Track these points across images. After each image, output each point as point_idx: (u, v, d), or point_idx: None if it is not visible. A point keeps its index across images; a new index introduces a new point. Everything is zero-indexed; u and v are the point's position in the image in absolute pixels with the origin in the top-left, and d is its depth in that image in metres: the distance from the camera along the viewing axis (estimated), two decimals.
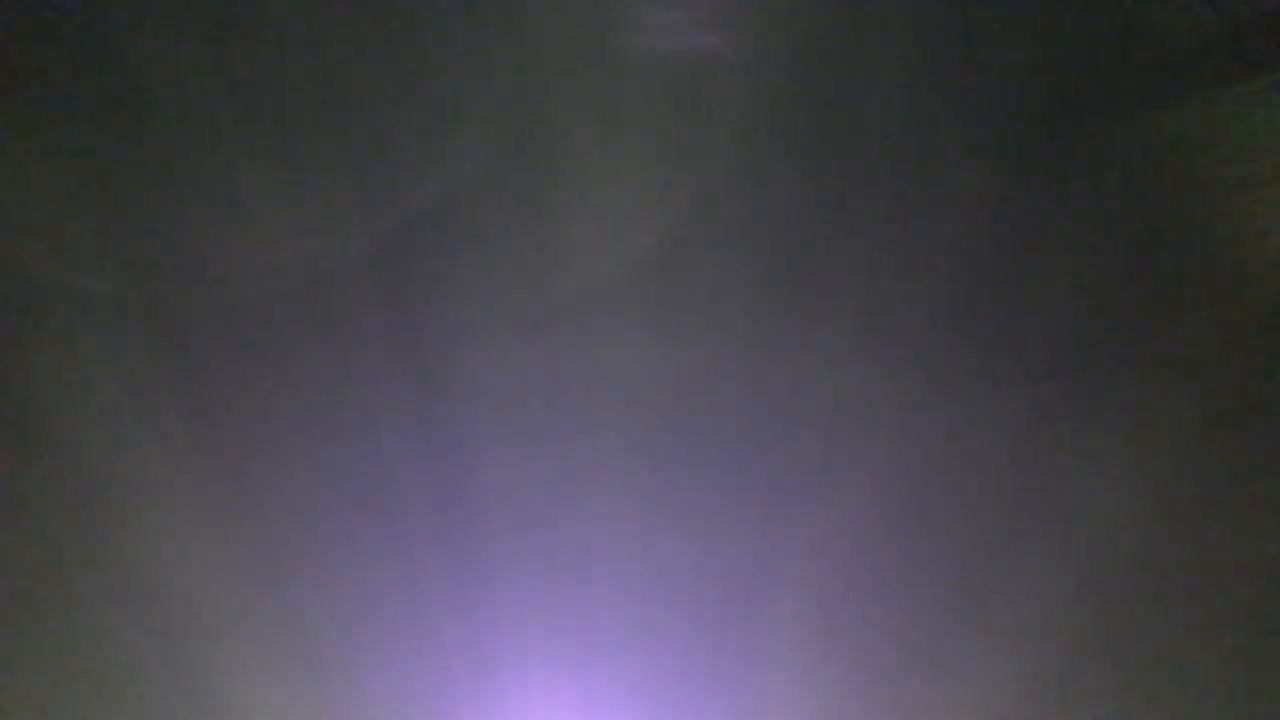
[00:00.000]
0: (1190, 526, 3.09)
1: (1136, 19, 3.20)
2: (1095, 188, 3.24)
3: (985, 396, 3.19)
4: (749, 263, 3.23)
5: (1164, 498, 3.08)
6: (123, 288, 3.16)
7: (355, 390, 3.17)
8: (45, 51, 3.14)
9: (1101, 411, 3.15)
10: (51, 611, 3.07)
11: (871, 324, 3.23)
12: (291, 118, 3.17)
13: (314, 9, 3.13)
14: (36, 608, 3.08)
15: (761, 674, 3.12)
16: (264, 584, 3.11)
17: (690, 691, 3.13)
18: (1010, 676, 3.04)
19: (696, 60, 3.16)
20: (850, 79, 3.19)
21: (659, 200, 3.23)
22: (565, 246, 3.23)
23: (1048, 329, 3.20)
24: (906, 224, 3.23)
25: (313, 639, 3.11)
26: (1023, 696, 3.04)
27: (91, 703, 3.06)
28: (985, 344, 3.22)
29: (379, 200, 3.19)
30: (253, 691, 3.08)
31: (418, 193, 3.18)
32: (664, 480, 3.21)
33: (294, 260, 3.18)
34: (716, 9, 3.19)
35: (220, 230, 3.17)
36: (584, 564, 3.15)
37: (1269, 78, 3.11)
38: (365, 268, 3.17)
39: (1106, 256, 3.24)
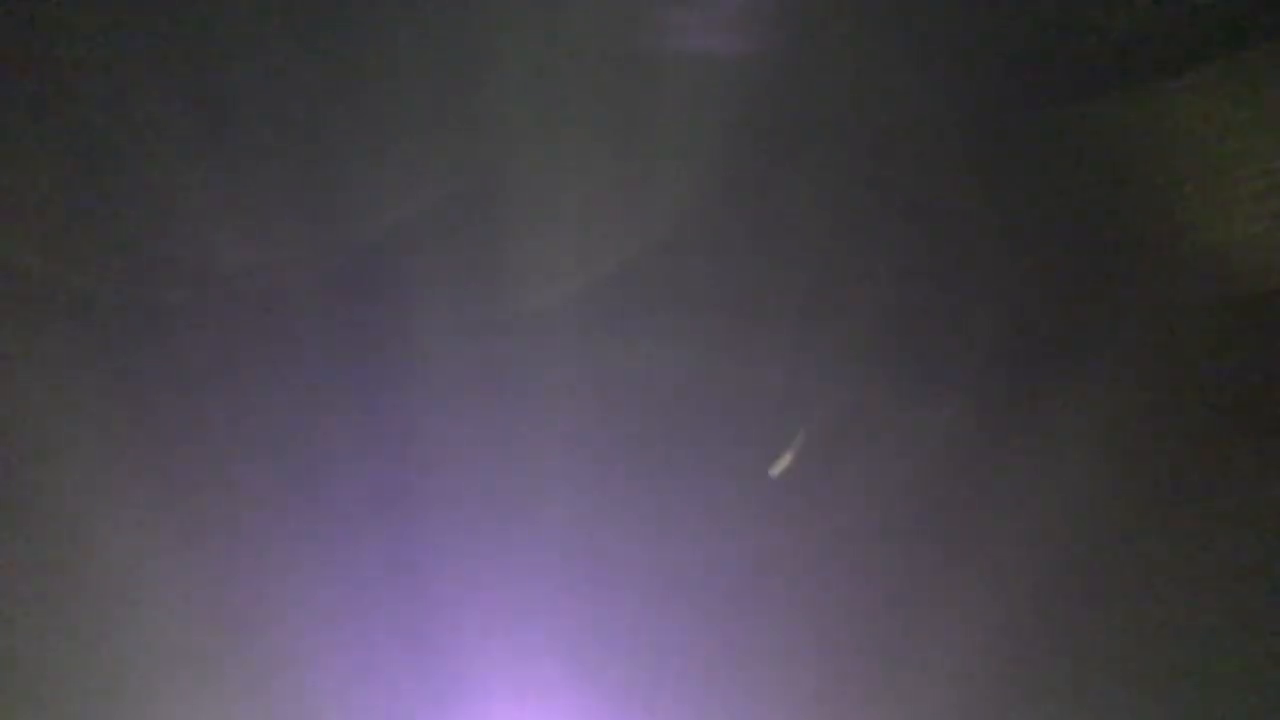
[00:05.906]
0: (1148, 522, 3.14)
1: (1072, 11, 3.19)
2: (1033, 182, 3.28)
3: (950, 396, 3.25)
4: (724, 269, 3.29)
5: (1117, 494, 3.14)
6: (100, 288, 3.14)
7: (346, 393, 3.17)
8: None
9: (1049, 408, 3.18)
10: (40, 614, 3.02)
11: (837, 327, 3.30)
12: (282, 119, 3.17)
13: (312, 8, 3.12)
14: (24, 610, 3.03)
15: (732, 676, 3.17)
16: (247, 585, 3.10)
17: (666, 693, 3.17)
18: (979, 675, 3.07)
19: (692, 62, 3.17)
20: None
21: (642, 206, 3.29)
22: (548, 253, 3.27)
23: (989, 327, 3.24)
24: (875, 228, 3.30)
25: (297, 642, 3.09)
26: (991, 694, 3.10)
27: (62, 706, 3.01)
28: (943, 345, 3.29)
29: (371, 202, 3.19)
30: (234, 696, 3.06)
31: (411, 194, 3.19)
32: (640, 486, 3.26)
33: (280, 260, 3.19)
34: (715, 10, 3.21)
35: (209, 229, 3.16)
36: (560, 568, 3.17)
37: (1205, 70, 3.08)
38: (363, 266, 3.18)
39: (1047, 252, 3.29)
